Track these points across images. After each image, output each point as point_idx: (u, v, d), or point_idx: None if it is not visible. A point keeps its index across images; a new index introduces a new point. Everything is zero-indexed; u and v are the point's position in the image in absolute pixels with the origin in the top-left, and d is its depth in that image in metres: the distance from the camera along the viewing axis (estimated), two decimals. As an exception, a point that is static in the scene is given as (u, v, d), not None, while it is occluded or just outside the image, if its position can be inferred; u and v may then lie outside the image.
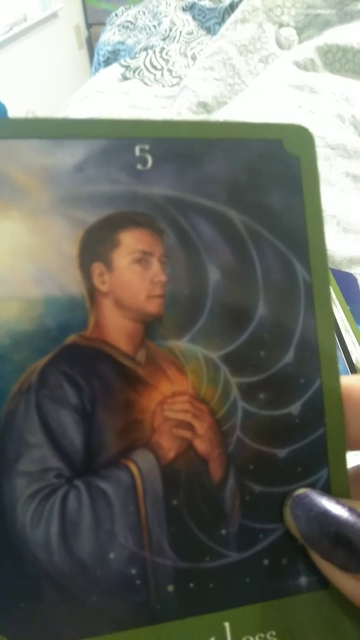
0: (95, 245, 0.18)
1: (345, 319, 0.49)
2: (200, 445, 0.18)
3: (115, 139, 0.18)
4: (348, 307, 0.51)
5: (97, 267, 0.18)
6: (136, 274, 0.18)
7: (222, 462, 0.18)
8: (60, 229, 0.18)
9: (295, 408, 0.19)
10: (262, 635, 0.17)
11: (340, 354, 0.46)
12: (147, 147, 0.18)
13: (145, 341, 0.18)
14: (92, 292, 0.18)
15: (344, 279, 0.57)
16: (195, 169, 0.19)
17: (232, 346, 0.18)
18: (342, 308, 0.50)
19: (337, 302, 0.51)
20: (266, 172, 0.19)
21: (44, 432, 0.17)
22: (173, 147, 0.18)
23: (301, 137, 0.19)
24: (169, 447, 0.18)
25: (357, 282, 0.57)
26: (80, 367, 0.17)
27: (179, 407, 0.18)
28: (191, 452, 0.18)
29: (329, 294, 0.19)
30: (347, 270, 0.60)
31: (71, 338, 0.17)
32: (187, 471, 0.18)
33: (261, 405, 0.18)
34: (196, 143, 0.19)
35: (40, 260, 0.17)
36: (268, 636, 0.17)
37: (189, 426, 0.18)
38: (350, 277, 0.58)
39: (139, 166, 0.18)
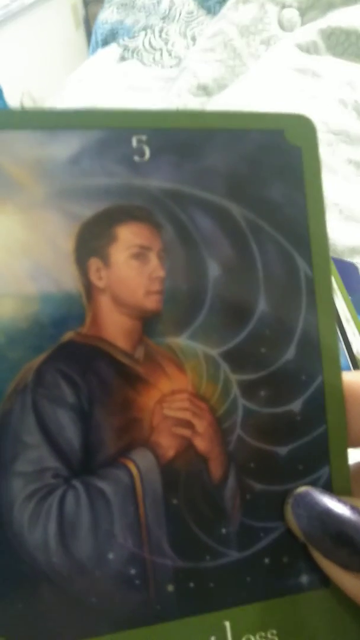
0: (92, 240, 0.17)
1: (346, 308, 0.49)
2: (200, 444, 0.18)
3: (112, 130, 0.18)
4: (349, 297, 0.51)
5: (94, 263, 0.17)
6: (134, 269, 0.18)
7: (222, 461, 0.18)
8: (55, 223, 0.17)
9: (296, 405, 0.18)
10: (262, 634, 0.17)
11: (341, 344, 0.45)
12: (144, 137, 0.18)
13: (143, 338, 0.18)
14: (89, 288, 0.17)
15: (346, 269, 0.56)
16: (194, 160, 0.18)
17: (232, 343, 0.18)
18: (343, 298, 0.50)
19: (338, 291, 0.50)
20: (267, 163, 0.18)
21: (40, 431, 0.17)
22: (171, 138, 0.18)
23: (303, 127, 0.19)
24: (168, 445, 0.17)
25: (358, 272, 0.57)
26: (78, 365, 0.17)
27: (179, 405, 0.18)
28: (191, 451, 0.18)
29: (330, 288, 0.19)
30: (348, 260, 0.59)
31: (68, 335, 0.17)
32: (186, 470, 0.17)
33: (262, 403, 0.18)
34: (195, 134, 0.18)
35: (35, 255, 0.17)
36: (269, 635, 0.17)
37: (189, 424, 0.18)
38: (351, 267, 0.57)
39: (136, 158, 0.18)
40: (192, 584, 0.17)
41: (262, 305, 0.18)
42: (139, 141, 0.18)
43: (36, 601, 0.16)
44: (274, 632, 0.17)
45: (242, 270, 0.18)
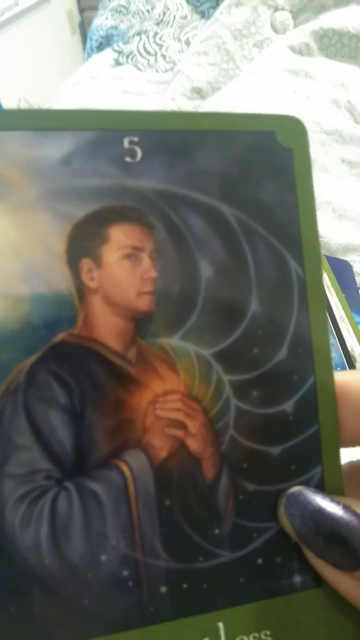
0: (84, 241, 0.17)
1: (340, 306, 0.49)
2: (193, 444, 0.18)
3: (103, 131, 0.18)
4: (343, 295, 0.51)
5: (86, 263, 0.17)
6: (126, 270, 0.18)
7: (215, 461, 0.18)
8: (47, 224, 0.17)
9: (289, 405, 0.18)
10: (256, 634, 0.17)
11: (336, 341, 0.45)
12: (136, 139, 0.18)
13: (136, 339, 0.18)
14: (81, 289, 0.17)
15: (339, 267, 0.56)
16: (186, 161, 0.18)
17: (224, 343, 0.18)
18: (337, 296, 0.50)
19: (332, 289, 0.50)
20: (259, 164, 0.19)
21: (32, 433, 0.17)
22: (163, 139, 0.18)
23: (294, 128, 0.19)
24: (160, 446, 0.17)
25: (352, 270, 0.57)
26: (70, 366, 0.17)
27: (171, 406, 0.18)
28: (183, 452, 0.17)
29: (322, 289, 0.19)
30: (342, 258, 0.59)
31: (60, 336, 0.17)
32: (179, 471, 0.17)
33: (254, 403, 0.18)
34: (187, 135, 0.18)
35: (27, 256, 0.17)
36: (262, 636, 0.17)
37: (181, 425, 0.18)
38: (345, 265, 0.58)
39: (128, 159, 0.18)
40: (185, 585, 0.17)
41: (254, 306, 0.18)
42: (131, 142, 0.18)
43: (28, 604, 0.16)
44: (268, 632, 0.17)
45: (234, 271, 0.18)
